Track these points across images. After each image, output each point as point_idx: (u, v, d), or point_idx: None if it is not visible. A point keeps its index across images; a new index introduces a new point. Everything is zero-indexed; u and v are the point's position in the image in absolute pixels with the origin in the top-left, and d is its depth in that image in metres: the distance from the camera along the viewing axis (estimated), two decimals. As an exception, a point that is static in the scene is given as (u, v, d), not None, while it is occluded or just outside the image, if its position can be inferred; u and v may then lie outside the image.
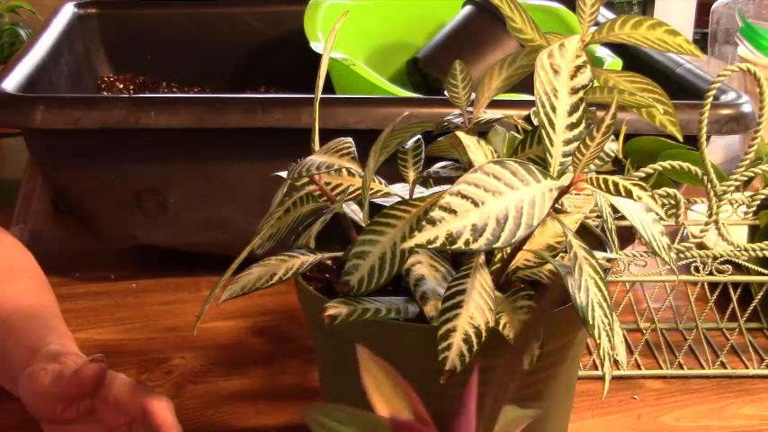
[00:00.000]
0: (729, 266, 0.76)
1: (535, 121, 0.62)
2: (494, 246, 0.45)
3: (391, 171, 0.62)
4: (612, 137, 0.53)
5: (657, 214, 0.51)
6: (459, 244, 0.44)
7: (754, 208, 0.80)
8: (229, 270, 0.56)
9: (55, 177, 0.89)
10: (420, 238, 0.44)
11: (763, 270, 0.77)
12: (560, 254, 0.58)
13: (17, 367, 0.65)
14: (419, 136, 0.62)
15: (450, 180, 0.50)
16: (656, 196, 0.49)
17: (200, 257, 0.94)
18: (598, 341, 0.51)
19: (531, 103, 0.59)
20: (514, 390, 0.32)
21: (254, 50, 1.30)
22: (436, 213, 0.45)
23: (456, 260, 0.57)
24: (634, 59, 1.09)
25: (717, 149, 1.30)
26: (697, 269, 0.76)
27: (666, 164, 0.68)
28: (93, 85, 1.22)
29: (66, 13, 1.19)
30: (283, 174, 0.58)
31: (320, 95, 0.60)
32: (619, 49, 1.08)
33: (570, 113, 0.51)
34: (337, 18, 0.61)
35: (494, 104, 0.62)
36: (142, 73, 1.27)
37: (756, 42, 1.29)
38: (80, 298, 0.91)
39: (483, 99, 0.59)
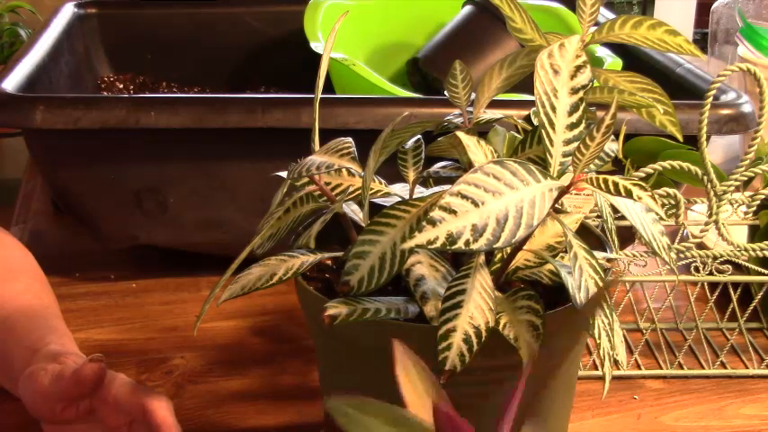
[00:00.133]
0: (729, 266, 0.76)
1: (535, 121, 0.62)
2: (494, 246, 0.45)
3: (391, 171, 0.62)
4: (612, 137, 0.53)
5: (657, 214, 0.51)
6: (460, 244, 0.44)
7: (754, 208, 0.80)
8: (229, 270, 0.56)
9: (55, 177, 0.89)
10: (420, 238, 0.44)
11: (763, 270, 0.77)
12: (560, 254, 0.58)
13: (17, 367, 0.65)
14: (419, 136, 0.62)
15: (451, 180, 0.50)
16: (656, 196, 0.49)
17: (201, 257, 0.94)
18: (598, 341, 0.51)
19: (531, 103, 0.59)
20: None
21: (254, 50, 1.30)
22: (436, 214, 0.45)
23: (456, 260, 0.57)
24: (634, 59, 1.09)
25: (717, 149, 1.30)
26: (697, 269, 0.76)
27: (666, 164, 0.68)
28: (93, 85, 1.22)
29: (66, 13, 1.19)
30: (283, 174, 0.58)
31: (320, 95, 0.60)
32: (619, 49, 1.08)
33: (570, 113, 0.51)
34: (337, 18, 0.60)
35: (494, 104, 0.62)
36: (142, 73, 1.27)
37: (756, 42, 1.29)
38: (80, 298, 0.91)
39: (483, 99, 0.59)
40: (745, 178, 0.70)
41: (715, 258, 0.75)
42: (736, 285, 0.80)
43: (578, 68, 0.51)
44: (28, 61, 0.95)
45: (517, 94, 0.82)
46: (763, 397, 0.77)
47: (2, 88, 0.85)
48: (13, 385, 0.66)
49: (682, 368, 0.80)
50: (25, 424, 0.67)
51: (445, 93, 0.61)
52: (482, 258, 0.52)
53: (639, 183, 0.49)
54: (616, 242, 0.62)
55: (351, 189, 0.61)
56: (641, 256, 0.75)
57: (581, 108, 0.51)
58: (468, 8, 1.13)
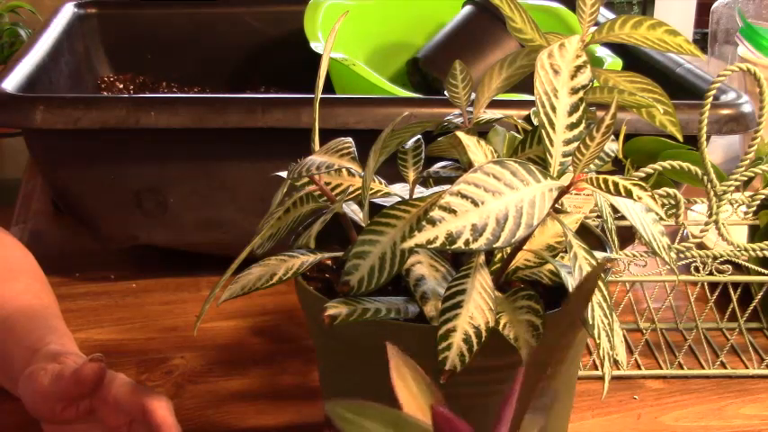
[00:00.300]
0: (729, 266, 0.76)
1: (535, 121, 0.62)
2: (494, 246, 0.45)
3: (391, 171, 0.62)
4: (612, 137, 0.53)
5: (657, 214, 0.51)
6: (459, 244, 0.44)
7: (754, 208, 0.80)
8: (229, 270, 0.56)
9: (55, 177, 0.89)
10: (420, 238, 0.44)
11: (763, 270, 0.77)
12: (560, 254, 0.58)
13: (17, 367, 0.65)
14: (419, 136, 0.62)
15: (451, 180, 0.50)
16: (656, 196, 0.49)
17: (201, 257, 0.94)
18: (598, 341, 0.51)
19: (531, 103, 0.59)
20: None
21: (254, 50, 1.30)
22: (436, 213, 0.45)
23: (456, 260, 0.57)
24: (634, 59, 1.09)
25: (717, 149, 1.30)
26: (697, 269, 0.76)
27: (666, 164, 0.68)
28: (93, 85, 1.22)
29: (66, 13, 1.19)
30: (283, 174, 0.58)
31: (320, 95, 0.60)
32: (619, 49, 1.08)
33: (570, 113, 0.51)
34: (337, 18, 0.61)
35: (494, 104, 0.62)
36: (142, 73, 1.27)
37: (756, 42, 1.29)
38: (80, 298, 0.91)
39: (483, 99, 0.59)
40: (745, 178, 0.70)
41: (715, 258, 0.75)
42: (736, 285, 0.80)
43: (578, 68, 0.51)
44: (28, 61, 0.95)
45: (517, 94, 0.82)
46: (763, 397, 0.77)
47: (2, 88, 0.85)
48: (13, 385, 0.66)
49: (682, 368, 0.80)
50: (25, 424, 0.67)
51: (445, 93, 0.61)
52: (482, 258, 0.52)
53: (639, 183, 0.49)
54: (616, 242, 0.62)
55: (351, 189, 0.61)
56: (641, 256, 0.75)
57: (581, 108, 0.51)
58: (468, 8, 1.13)
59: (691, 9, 3.01)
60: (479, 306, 0.50)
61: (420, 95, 1.04)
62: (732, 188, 0.69)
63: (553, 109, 0.51)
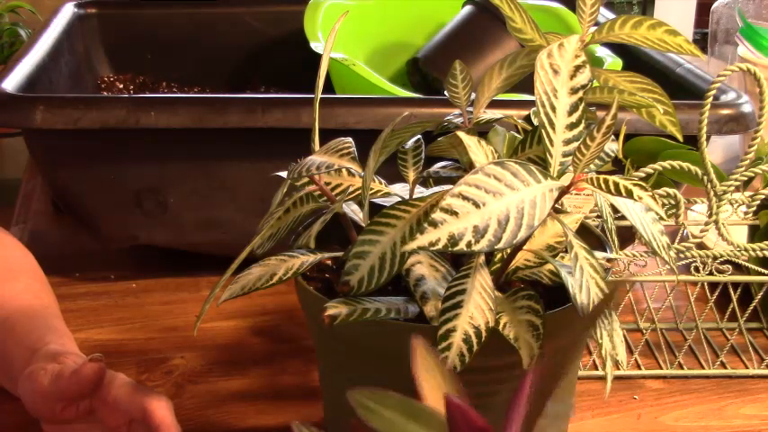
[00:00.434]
0: (729, 266, 0.76)
1: (535, 121, 0.62)
2: (495, 247, 0.45)
3: (391, 171, 0.62)
4: (612, 137, 0.53)
5: (657, 214, 0.51)
6: (462, 246, 0.44)
7: (754, 208, 0.80)
8: (229, 270, 0.56)
9: (55, 177, 0.89)
10: (422, 240, 0.44)
11: (763, 270, 0.77)
12: (560, 254, 0.58)
13: (17, 367, 0.65)
14: (419, 136, 0.62)
15: (450, 180, 0.50)
16: (656, 196, 0.49)
17: (201, 257, 0.94)
18: (599, 341, 0.51)
19: (531, 103, 0.59)
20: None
21: (254, 50, 1.30)
22: (438, 215, 0.45)
23: (456, 260, 0.57)
24: (634, 59, 1.09)
25: (717, 149, 1.30)
26: (697, 269, 0.76)
27: (666, 164, 0.68)
28: (93, 85, 1.22)
29: (66, 13, 1.19)
30: (283, 174, 0.58)
31: (320, 95, 0.60)
32: (619, 49, 1.08)
33: (570, 113, 0.51)
34: (337, 18, 0.60)
35: (494, 104, 0.62)
36: (142, 73, 1.27)
37: (756, 42, 1.29)
38: (80, 298, 0.91)
39: (483, 99, 0.59)
40: (745, 178, 0.70)
41: (715, 258, 0.75)
42: (736, 285, 0.80)
43: (578, 68, 0.51)
44: (28, 61, 0.95)
45: (517, 94, 0.82)
46: (763, 397, 0.77)
47: (2, 88, 0.85)
48: (13, 385, 0.66)
49: (682, 368, 0.80)
50: (25, 424, 0.67)
51: (445, 93, 0.61)
52: (482, 258, 0.52)
53: (639, 183, 0.49)
54: (616, 242, 0.62)
55: (351, 189, 0.61)
56: (641, 256, 0.75)
57: (581, 108, 0.51)
58: (468, 8, 1.13)
59: (691, 9, 3.01)
60: (479, 306, 0.50)
61: (420, 95, 1.04)
62: (732, 188, 0.69)
63: (553, 109, 0.51)
